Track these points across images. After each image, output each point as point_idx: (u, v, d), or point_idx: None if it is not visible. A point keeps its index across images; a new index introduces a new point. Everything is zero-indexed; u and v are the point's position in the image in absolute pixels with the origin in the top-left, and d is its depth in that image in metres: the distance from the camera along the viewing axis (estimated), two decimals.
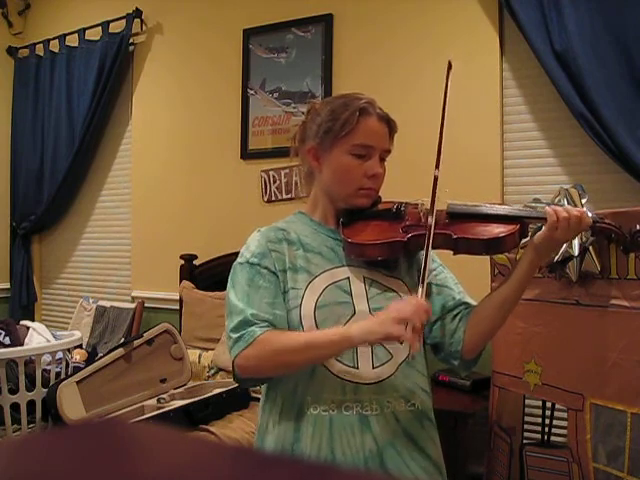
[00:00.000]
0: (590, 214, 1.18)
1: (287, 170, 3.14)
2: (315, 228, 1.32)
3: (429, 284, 1.31)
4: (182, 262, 3.31)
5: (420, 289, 1.13)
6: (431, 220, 1.19)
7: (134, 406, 2.33)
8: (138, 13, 3.63)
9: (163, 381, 2.49)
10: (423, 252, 1.20)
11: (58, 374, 2.31)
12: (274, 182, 3.21)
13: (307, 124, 1.33)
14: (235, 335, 1.18)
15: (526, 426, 2.20)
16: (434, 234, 1.19)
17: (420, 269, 1.33)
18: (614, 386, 1.69)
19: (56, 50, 3.96)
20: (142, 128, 3.73)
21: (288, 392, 1.22)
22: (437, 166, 1.22)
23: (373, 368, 1.20)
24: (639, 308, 1.66)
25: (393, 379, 1.21)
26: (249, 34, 3.31)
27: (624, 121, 2.29)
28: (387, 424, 1.19)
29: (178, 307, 3.25)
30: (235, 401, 2.37)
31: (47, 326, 2.67)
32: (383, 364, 1.21)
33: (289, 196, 3.16)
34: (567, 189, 1.84)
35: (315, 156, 1.29)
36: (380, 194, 1.32)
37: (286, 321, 1.21)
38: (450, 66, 1.29)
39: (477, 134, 2.65)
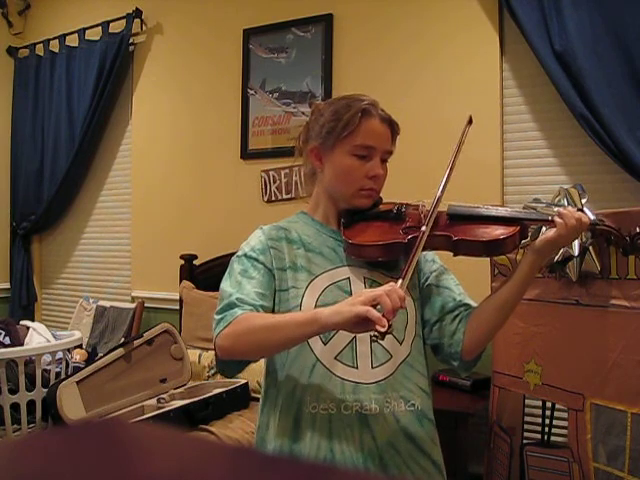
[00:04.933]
0: (590, 215, 1.18)
1: (287, 170, 3.14)
2: (317, 228, 1.32)
3: (429, 285, 1.32)
4: (182, 262, 3.31)
5: (400, 280, 1.10)
6: (425, 229, 1.19)
7: (134, 406, 2.33)
8: (138, 13, 3.63)
9: (163, 381, 2.49)
10: (423, 253, 1.20)
11: (58, 374, 2.31)
12: (274, 182, 3.21)
13: (311, 124, 1.33)
14: (218, 317, 1.18)
15: (526, 426, 2.20)
16: (434, 235, 1.19)
17: (419, 269, 1.33)
18: (614, 386, 1.69)
19: (56, 50, 3.96)
20: (142, 128, 3.73)
21: (288, 391, 1.22)
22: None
23: (372, 368, 1.20)
24: (639, 308, 1.66)
25: (392, 379, 1.21)
26: (249, 34, 3.31)
27: (624, 121, 2.29)
28: (386, 424, 1.19)
29: (178, 307, 3.25)
30: (235, 401, 2.38)
31: (47, 326, 2.67)
32: (382, 364, 1.21)
33: (289, 196, 3.16)
34: (567, 189, 1.84)
35: (317, 156, 1.30)
36: (381, 194, 1.33)
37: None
38: (470, 121, 1.31)
39: (477, 134, 2.64)
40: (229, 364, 1.22)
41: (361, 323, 1.02)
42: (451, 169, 1.27)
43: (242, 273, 1.23)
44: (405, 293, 1.08)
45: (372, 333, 1.03)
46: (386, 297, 1.02)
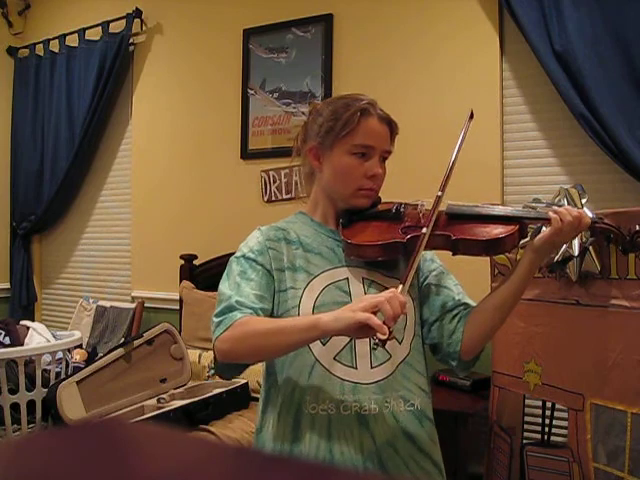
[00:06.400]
0: (590, 214, 1.18)
1: (287, 170, 3.14)
2: (316, 228, 1.32)
3: (428, 284, 1.32)
4: (182, 262, 3.31)
5: (401, 286, 1.10)
6: (426, 231, 1.19)
7: (134, 406, 2.33)
8: (138, 13, 3.63)
9: (163, 381, 2.49)
10: (422, 252, 1.20)
11: (58, 374, 2.31)
12: (274, 182, 3.21)
13: (309, 124, 1.33)
14: (217, 320, 1.18)
15: (526, 426, 2.20)
16: (433, 235, 1.19)
17: (418, 269, 1.33)
18: (614, 386, 1.69)
19: (56, 50, 3.96)
20: (142, 128, 3.73)
21: (287, 392, 1.22)
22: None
23: (372, 368, 1.20)
24: (639, 308, 1.66)
25: (392, 379, 1.21)
26: (249, 34, 3.31)
27: (624, 121, 2.29)
28: (386, 424, 1.19)
29: (178, 307, 3.25)
30: (235, 401, 2.38)
31: (47, 326, 2.67)
32: (382, 364, 1.21)
33: (289, 196, 3.16)
34: (567, 189, 1.84)
35: (316, 156, 1.30)
36: (380, 194, 1.33)
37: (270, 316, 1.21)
38: (472, 116, 1.30)
39: (477, 134, 2.64)
40: (227, 367, 1.22)
41: (362, 329, 1.03)
42: (452, 167, 1.27)
43: (240, 275, 1.22)
44: (406, 297, 1.08)
45: (373, 340, 1.03)
46: (387, 304, 1.03)
